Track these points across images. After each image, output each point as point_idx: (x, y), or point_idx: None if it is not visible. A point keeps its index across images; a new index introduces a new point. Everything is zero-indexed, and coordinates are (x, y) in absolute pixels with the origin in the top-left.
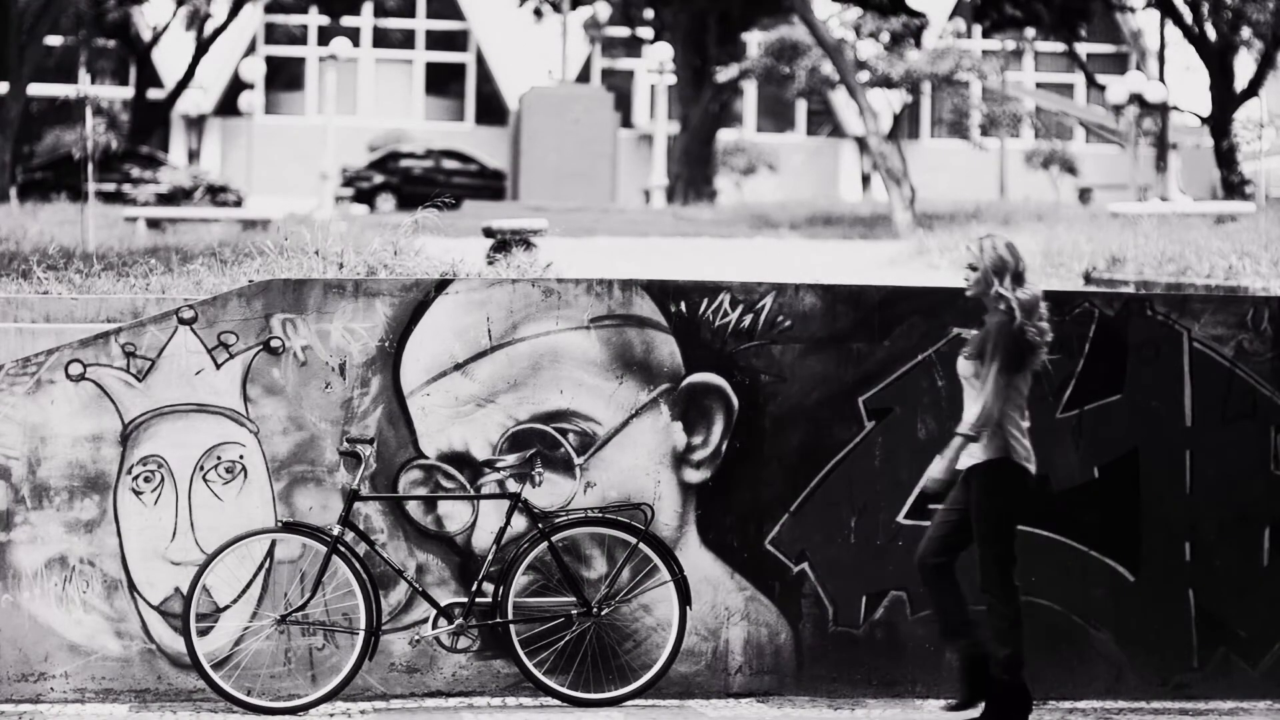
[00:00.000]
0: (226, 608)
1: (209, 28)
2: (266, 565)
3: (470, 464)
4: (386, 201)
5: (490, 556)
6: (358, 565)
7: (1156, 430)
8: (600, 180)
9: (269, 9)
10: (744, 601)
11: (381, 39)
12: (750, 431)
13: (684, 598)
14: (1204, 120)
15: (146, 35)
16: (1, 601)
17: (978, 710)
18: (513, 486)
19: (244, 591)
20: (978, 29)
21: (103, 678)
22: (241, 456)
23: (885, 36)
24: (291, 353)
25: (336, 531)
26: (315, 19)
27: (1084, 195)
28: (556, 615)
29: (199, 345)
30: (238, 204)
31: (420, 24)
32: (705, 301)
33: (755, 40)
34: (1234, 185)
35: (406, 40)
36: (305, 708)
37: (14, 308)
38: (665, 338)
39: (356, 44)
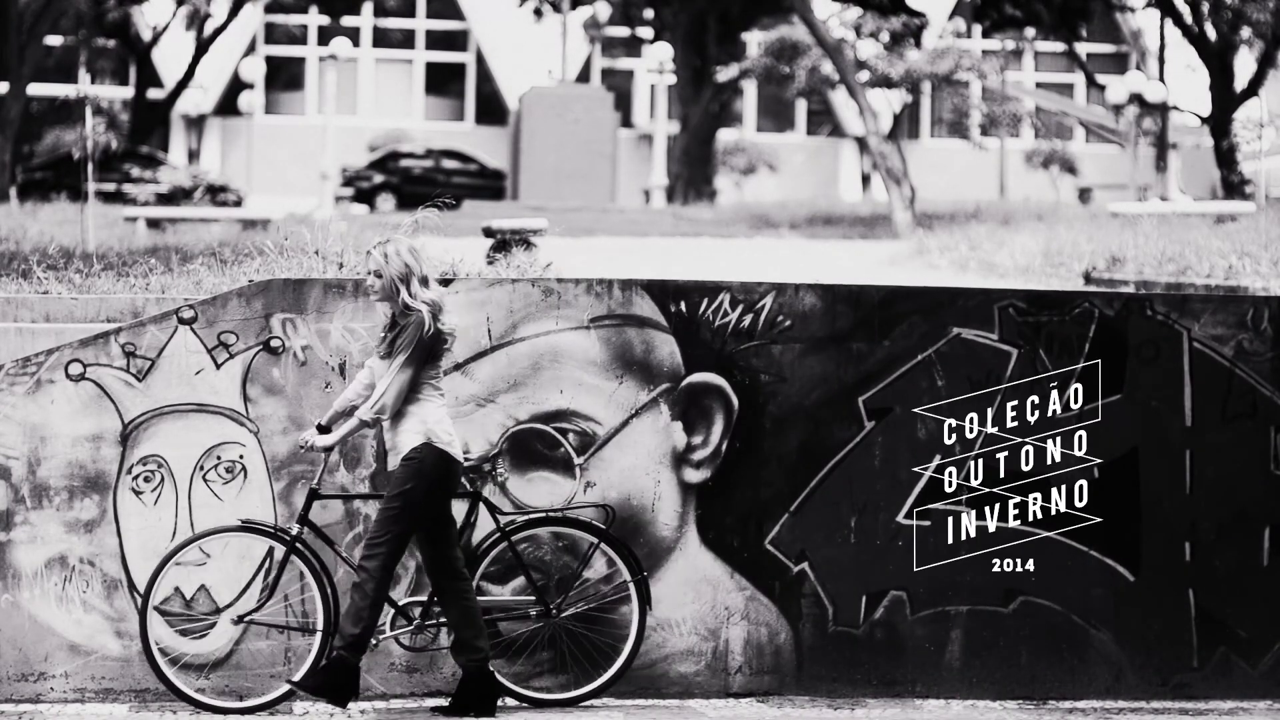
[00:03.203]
0: (226, 607)
1: (209, 28)
2: (267, 565)
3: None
4: (386, 201)
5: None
6: (316, 565)
7: (1156, 430)
8: (600, 180)
9: (269, 9)
10: (744, 601)
11: (381, 39)
12: (750, 431)
13: (644, 599)
14: (1204, 120)
15: (146, 35)
16: (1, 601)
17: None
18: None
19: (244, 590)
20: (978, 29)
21: (103, 677)
22: (241, 456)
23: (885, 36)
24: (291, 352)
25: (295, 530)
26: (315, 19)
27: (1084, 195)
28: (515, 615)
29: (199, 345)
30: (238, 204)
31: (420, 24)
32: (705, 301)
33: (755, 40)
34: (1234, 185)
35: (406, 40)
36: (260, 708)
37: (14, 308)
38: (665, 338)
39: (356, 44)
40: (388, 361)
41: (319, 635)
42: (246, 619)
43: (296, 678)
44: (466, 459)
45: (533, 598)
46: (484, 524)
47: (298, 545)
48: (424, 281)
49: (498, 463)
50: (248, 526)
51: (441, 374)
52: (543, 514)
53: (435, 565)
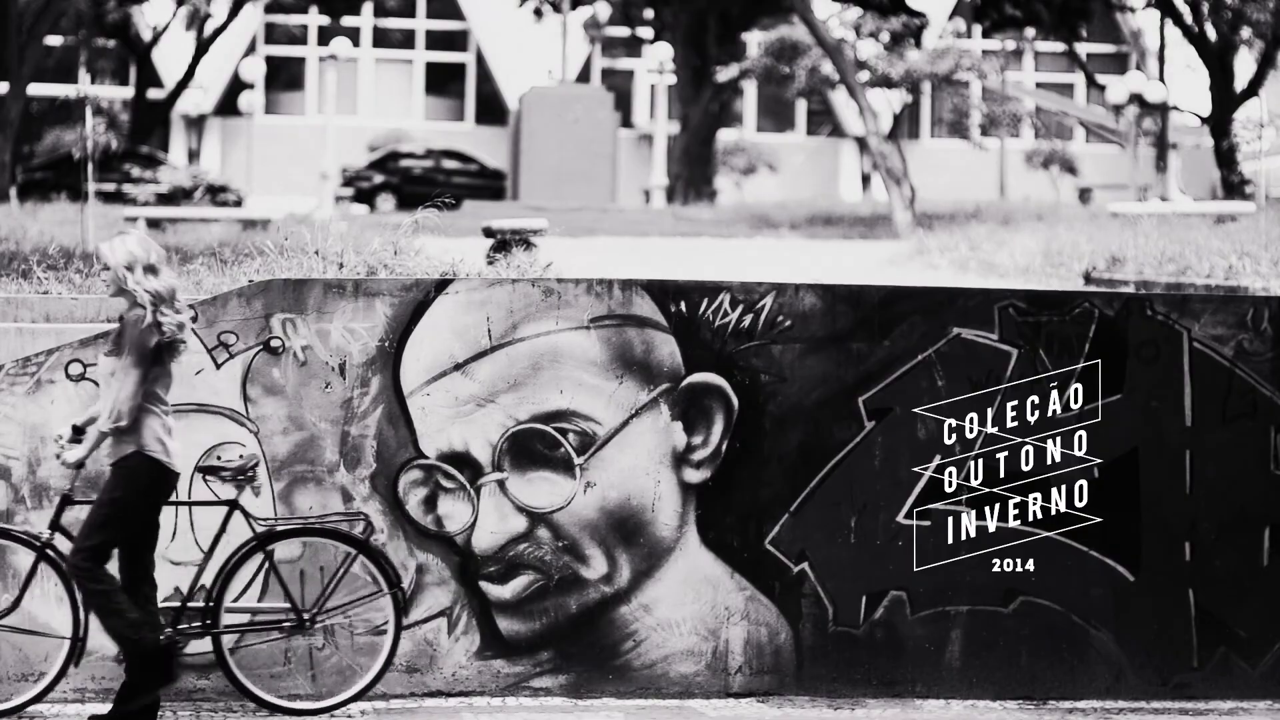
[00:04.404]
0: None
1: (209, 28)
2: (266, 565)
3: (470, 464)
4: (386, 201)
5: (202, 564)
6: (65, 571)
7: (1156, 430)
8: (600, 180)
9: (269, 9)
10: (744, 601)
11: (381, 39)
12: (750, 431)
13: (399, 609)
14: (1204, 120)
15: (146, 35)
16: (1, 601)
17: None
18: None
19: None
20: (978, 29)
21: (103, 678)
22: (241, 456)
23: (885, 36)
24: (291, 353)
25: (45, 536)
26: (315, 19)
27: (1084, 195)
28: (269, 624)
29: (199, 345)
30: (238, 204)
31: (420, 24)
32: (705, 301)
33: (755, 40)
34: (1234, 185)
35: (406, 40)
36: (10, 712)
37: (14, 308)
38: (665, 338)
39: (356, 44)
40: (114, 360)
41: (66, 643)
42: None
43: (43, 685)
44: (224, 464)
45: (287, 606)
46: (242, 532)
47: (47, 551)
48: (151, 270)
49: (255, 471)
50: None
51: (171, 381)
52: (300, 524)
53: (128, 568)
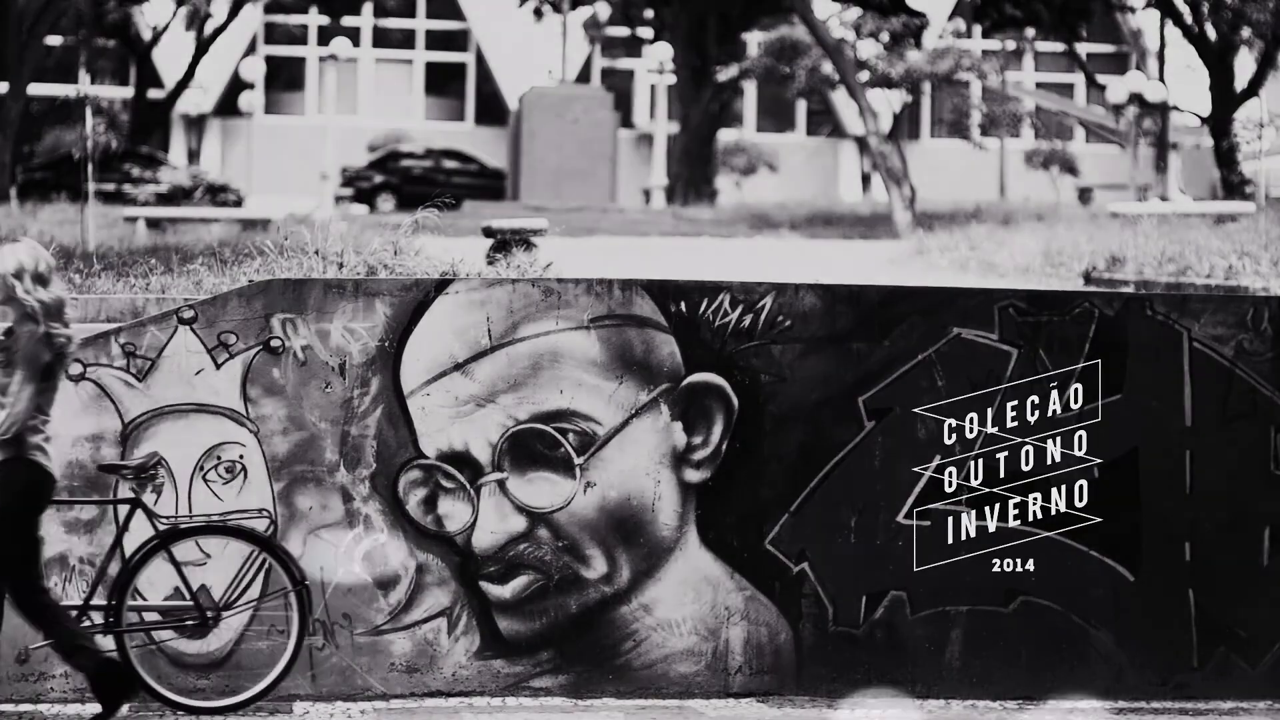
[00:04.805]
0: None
1: (209, 28)
2: (266, 565)
3: (470, 464)
4: (386, 201)
5: (102, 563)
6: None
7: (1156, 430)
8: (600, 180)
9: (269, 9)
10: (744, 601)
11: (381, 39)
12: (750, 431)
13: (304, 607)
14: (1204, 120)
15: (146, 35)
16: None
17: (121, 711)
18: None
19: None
20: (978, 29)
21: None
22: (241, 456)
23: (885, 36)
24: (291, 353)
25: None
26: (315, 19)
27: (1084, 195)
28: (171, 623)
29: (199, 345)
30: (238, 204)
31: (420, 24)
32: (705, 301)
33: (755, 40)
34: (1234, 185)
35: (406, 40)
36: None
37: None
38: (665, 338)
39: (356, 44)
40: (7, 372)
41: None
42: None
43: None
44: (123, 463)
45: (190, 603)
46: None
47: None
48: (40, 280)
49: (158, 470)
50: None
51: (55, 394)
52: (203, 522)
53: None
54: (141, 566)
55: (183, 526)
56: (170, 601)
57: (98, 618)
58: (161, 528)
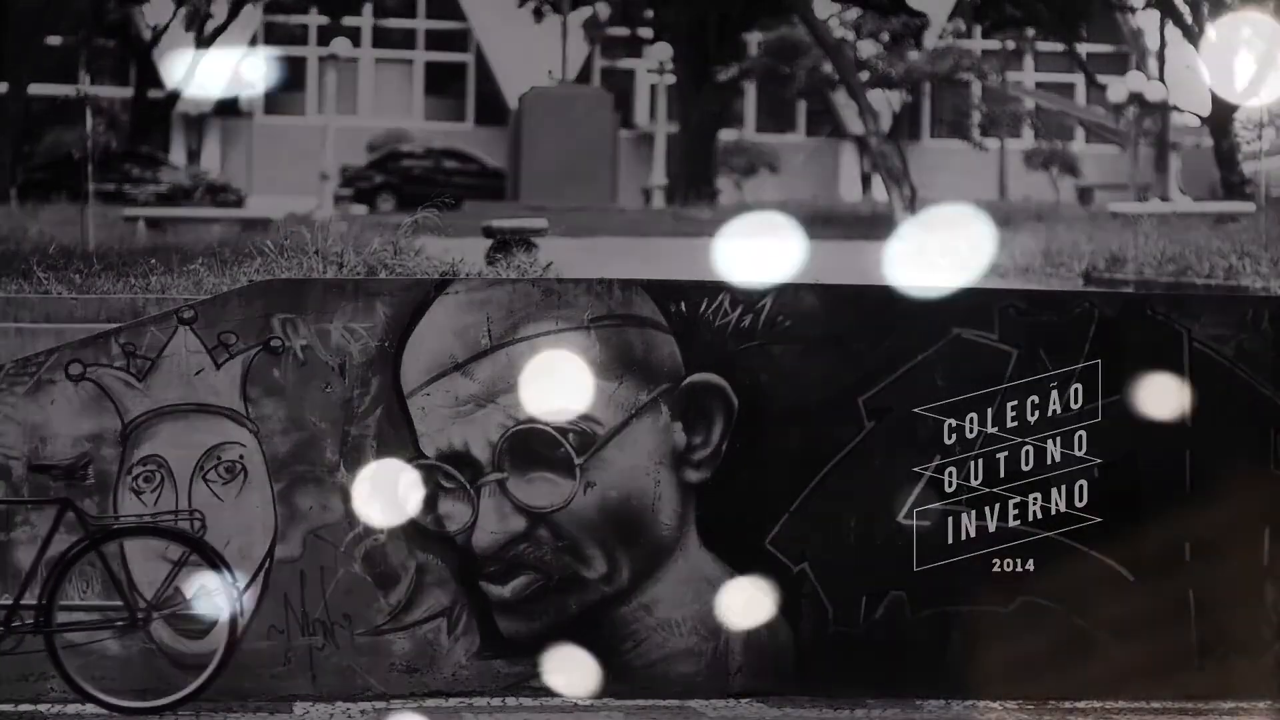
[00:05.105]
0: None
1: (209, 28)
2: (266, 565)
3: (470, 464)
4: (386, 201)
5: (35, 562)
6: None
7: (1156, 430)
8: (600, 180)
9: (269, 9)
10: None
11: (381, 39)
12: (750, 431)
13: (233, 605)
14: (1204, 120)
15: (146, 35)
16: (2, 601)
17: None
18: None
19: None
20: (978, 29)
21: (102, 678)
22: (241, 456)
23: (885, 36)
24: (291, 353)
25: None
26: (315, 19)
27: (1084, 195)
28: (101, 623)
29: (199, 345)
30: (238, 204)
31: (420, 24)
32: (705, 301)
33: (755, 40)
34: (1234, 185)
35: (406, 40)
36: None
37: (14, 308)
38: (665, 338)
39: (356, 44)
40: None
41: None
42: None
43: None
44: (53, 463)
45: (119, 603)
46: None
47: None
48: None
49: (88, 470)
50: None
51: None
52: (133, 522)
53: None
54: (71, 566)
55: (113, 527)
56: (100, 601)
57: (28, 617)
58: (92, 528)
